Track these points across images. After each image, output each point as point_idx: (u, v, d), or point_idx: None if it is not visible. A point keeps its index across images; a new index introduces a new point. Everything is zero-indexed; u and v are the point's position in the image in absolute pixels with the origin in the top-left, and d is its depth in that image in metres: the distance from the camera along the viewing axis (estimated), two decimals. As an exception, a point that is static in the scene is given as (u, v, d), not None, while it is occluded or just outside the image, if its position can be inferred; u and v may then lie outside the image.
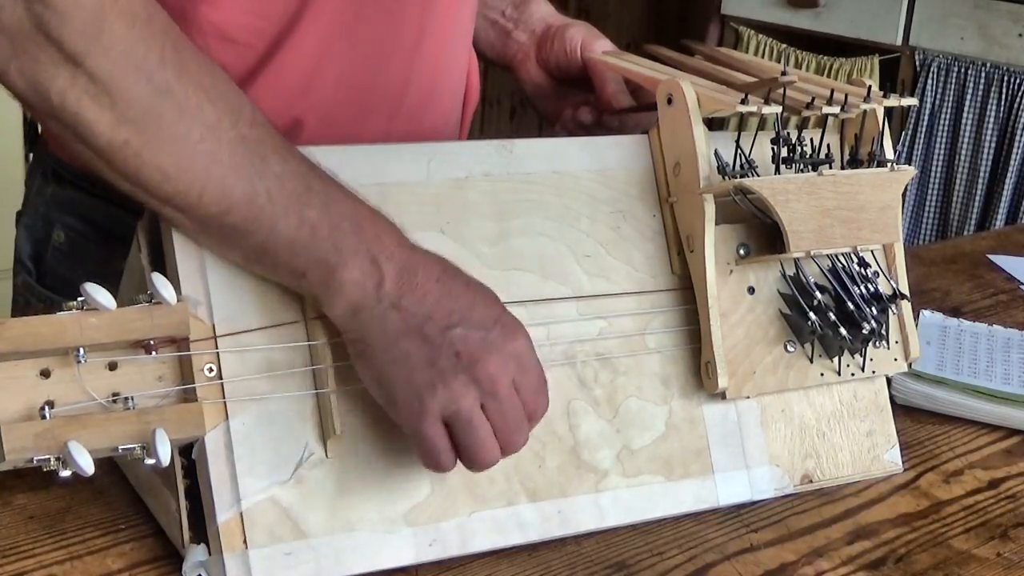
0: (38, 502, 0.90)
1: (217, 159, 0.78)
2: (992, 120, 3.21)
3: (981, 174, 3.23)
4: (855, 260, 1.00)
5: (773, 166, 0.98)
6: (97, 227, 1.08)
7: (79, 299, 0.79)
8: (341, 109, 1.04)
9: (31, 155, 1.16)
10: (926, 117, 3.30)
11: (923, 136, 3.32)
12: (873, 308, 0.98)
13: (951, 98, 3.27)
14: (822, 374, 1.01)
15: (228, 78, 0.81)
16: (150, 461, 0.79)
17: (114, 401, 0.81)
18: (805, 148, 1.00)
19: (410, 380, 0.81)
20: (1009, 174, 3.18)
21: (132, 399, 0.81)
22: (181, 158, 0.77)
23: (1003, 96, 3.19)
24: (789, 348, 1.00)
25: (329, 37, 1.01)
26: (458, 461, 0.84)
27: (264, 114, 0.83)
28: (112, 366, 0.81)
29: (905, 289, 1.03)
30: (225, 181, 0.78)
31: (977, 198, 3.24)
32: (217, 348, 0.83)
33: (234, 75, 0.98)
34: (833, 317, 0.97)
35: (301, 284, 0.83)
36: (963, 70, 3.24)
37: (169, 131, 0.77)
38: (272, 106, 1.01)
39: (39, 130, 1.16)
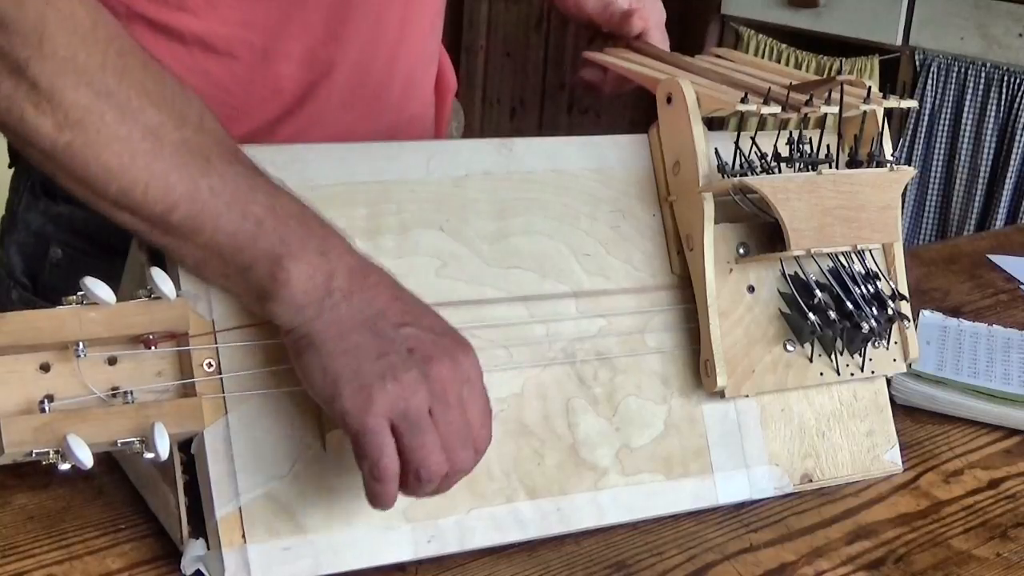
0: (38, 502, 0.90)
1: (159, 157, 0.78)
2: (992, 120, 3.20)
3: (981, 174, 3.23)
4: (855, 260, 1.00)
5: (773, 165, 0.98)
6: (95, 241, 1.06)
7: (79, 293, 0.79)
8: (332, 111, 1.04)
9: (13, 168, 1.14)
10: (926, 117, 3.30)
11: (923, 136, 3.32)
12: (873, 308, 0.98)
13: (951, 98, 3.26)
14: (821, 374, 1.01)
15: (181, 86, 0.81)
16: (149, 455, 0.79)
17: (113, 395, 0.81)
18: (804, 147, 1.01)
19: (358, 372, 0.79)
20: (1009, 174, 3.18)
21: (131, 393, 0.81)
22: (124, 156, 0.77)
23: (1003, 96, 3.19)
24: (788, 347, 1.00)
25: (317, 43, 1.01)
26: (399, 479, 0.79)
27: (217, 122, 0.82)
28: (111, 361, 0.81)
29: (904, 289, 1.03)
30: (167, 178, 0.78)
31: (977, 198, 3.24)
32: (216, 343, 0.83)
33: (222, 85, 0.98)
34: (833, 316, 0.98)
35: (248, 278, 0.80)
36: (963, 70, 3.24)
37: (111, 132, 0.77)
38: (264, 116, 1.01)
39: None
